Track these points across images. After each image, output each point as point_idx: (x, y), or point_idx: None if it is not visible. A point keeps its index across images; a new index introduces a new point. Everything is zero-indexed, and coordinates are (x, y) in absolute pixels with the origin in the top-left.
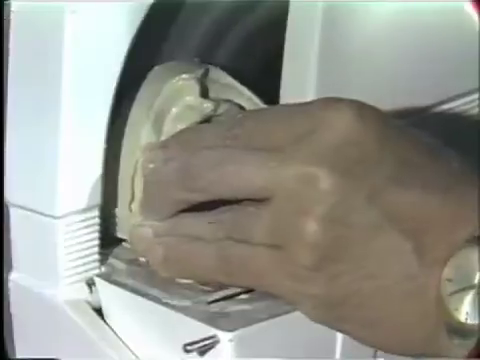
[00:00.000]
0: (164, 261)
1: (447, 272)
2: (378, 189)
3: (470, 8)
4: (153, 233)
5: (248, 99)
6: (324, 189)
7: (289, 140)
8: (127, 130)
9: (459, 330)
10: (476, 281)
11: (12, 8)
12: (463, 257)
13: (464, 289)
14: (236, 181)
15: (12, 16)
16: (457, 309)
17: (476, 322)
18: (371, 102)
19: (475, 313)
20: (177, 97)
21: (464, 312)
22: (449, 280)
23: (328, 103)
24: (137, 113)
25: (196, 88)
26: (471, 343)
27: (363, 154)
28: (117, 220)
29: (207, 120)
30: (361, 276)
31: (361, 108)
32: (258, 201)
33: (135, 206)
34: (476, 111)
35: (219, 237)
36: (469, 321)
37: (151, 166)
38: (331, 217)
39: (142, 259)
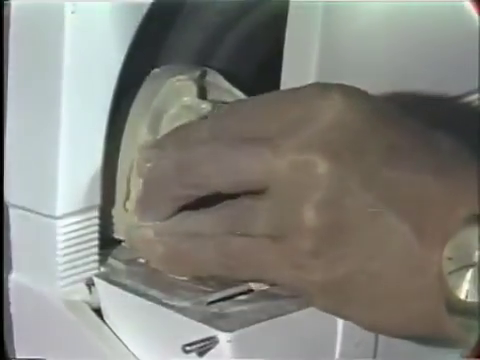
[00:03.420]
0: (165, 259)
1: (447, 251)
2: (372, 171)
3: (470, 8)
4: (153, 233)
5: None
6: (319, 174)
7: (281, 129)
8: (125, 130)
9: (460, 308)
10: (476, 259)
11: (12, 8)
12: (463, 236)
13: (464, 267)
14: (232, 174)
15: (12, 16)
16: (457, 287)
17: (476, 300)
18: None
19: (475, 291)
20: (175, 97)
21: (464, 290)
22: (449, 259)
23: (317, 90)
24: (135, 113)
25: (193, 89)
26: (472, 324)
27: (354, 138)
28: (115, 220)
29: None
30: (362, 258)
31: (349, 93)
32: (256, 193)
33: (130, 205)
34: (476, 112)
35: (219, 232)
36: (469, 299)
37: (148, 165)
38: (328, 202)
39: (141, 260)
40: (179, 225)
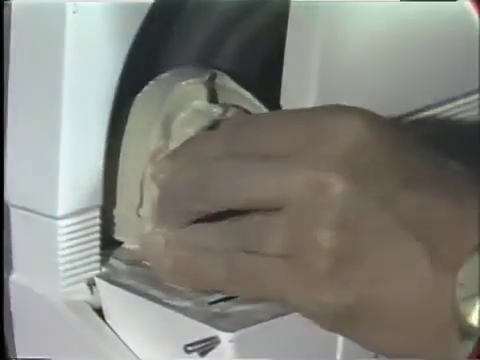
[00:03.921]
0: (173, 272)
1: (460, 277)
2: (389, 193)
3: (470, 8)
4: (164, 242)
5: (251, 104)
6: (335, 194)
7: (297, 148)
8: (134, 133)
9: (471, 335)
10: None
11: (13, 8)
12: (476, 262)
13: (475, 295)
14: (247, 192)
15: (13, 16)
16: (469, 314)
17: None
18: (372, 102)
19: None
20: (185, 101)
21: (474, 318)
22: (462, 285)
23: (336, 110)
24: (144, 116)
25: (204, 92)
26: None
27: (373, 160)
28: (116, 221)
29: (215, 124)
30: (375, 280)
31: (368, 116)
32: (269, 210)
33: (144, 212)
34: (476, 111)
35: (229, 248)
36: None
37: (162, 176)
38: (343, 222)
39: (146, 263)
40: (190, 237)
